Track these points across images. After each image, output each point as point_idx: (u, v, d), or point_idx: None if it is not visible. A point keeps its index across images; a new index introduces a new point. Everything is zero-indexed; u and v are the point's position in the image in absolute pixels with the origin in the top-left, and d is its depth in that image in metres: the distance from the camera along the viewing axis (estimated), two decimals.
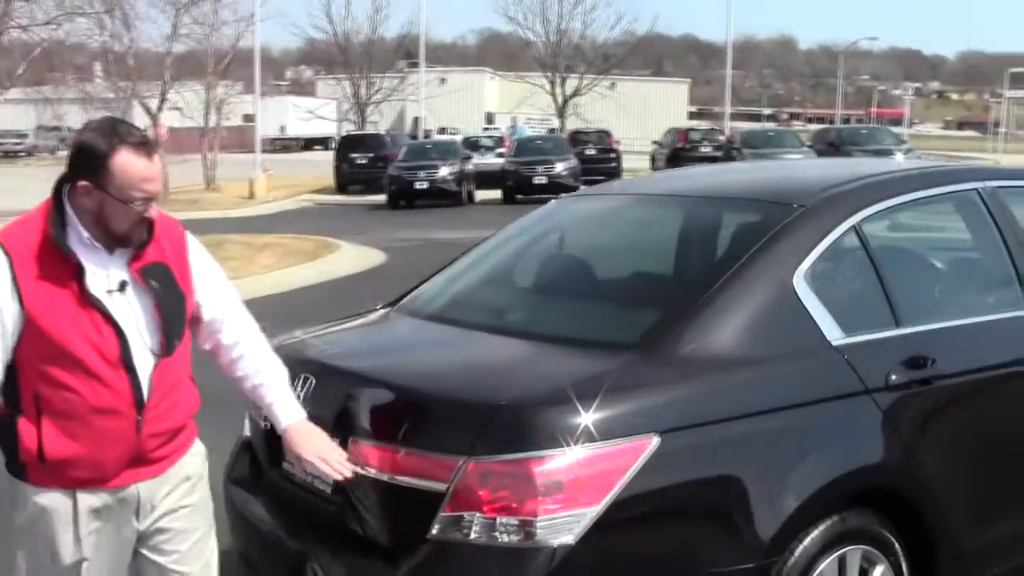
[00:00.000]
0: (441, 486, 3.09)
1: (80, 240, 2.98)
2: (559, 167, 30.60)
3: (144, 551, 3.22)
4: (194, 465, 3.30)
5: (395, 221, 25.42)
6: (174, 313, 3.11)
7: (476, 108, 66.85)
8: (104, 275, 3.00)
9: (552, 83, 48.23)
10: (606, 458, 3.04)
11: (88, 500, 3.05)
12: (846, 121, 75.29)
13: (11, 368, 2.97)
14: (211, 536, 3.37)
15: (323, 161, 44.64)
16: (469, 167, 31.58)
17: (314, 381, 3.65)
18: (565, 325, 3.88)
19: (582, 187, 6.40)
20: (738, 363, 3.39)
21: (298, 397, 3.57)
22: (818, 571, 3.35)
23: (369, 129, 43.57)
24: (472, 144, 37.12)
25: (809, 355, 3.54)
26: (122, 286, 3.01)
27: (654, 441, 3.07)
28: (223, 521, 3.81)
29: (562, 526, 2.99)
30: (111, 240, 3.00)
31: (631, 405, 3.19)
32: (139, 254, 3.05)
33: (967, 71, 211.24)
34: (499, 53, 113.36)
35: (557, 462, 3.01)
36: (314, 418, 3.53)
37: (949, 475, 3.75)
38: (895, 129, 42.88)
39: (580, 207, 5.19)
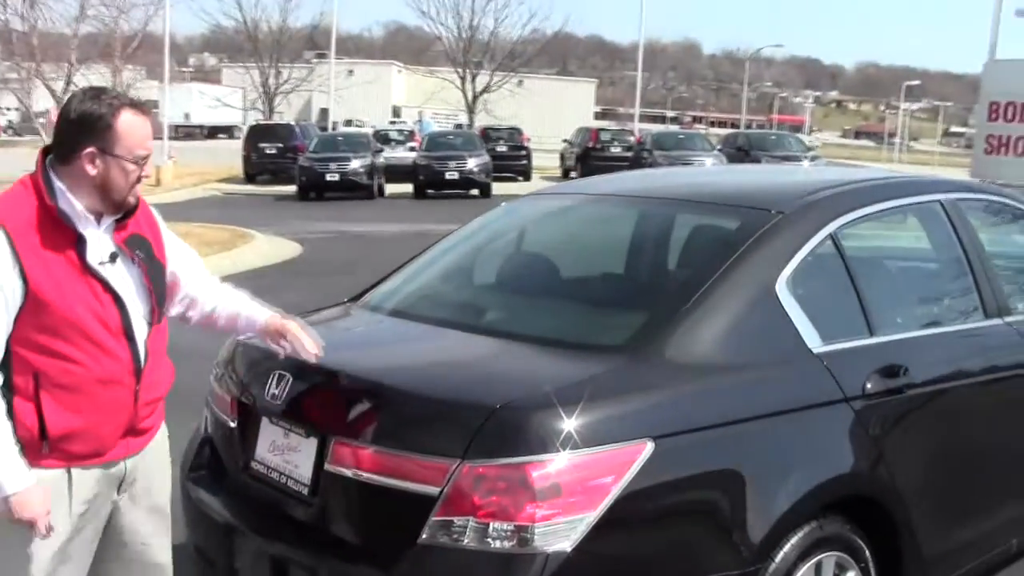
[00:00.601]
0: (433, 489, 3.00)
1: (73, 212, 3.01)
2: (471, 163, 30.54)
3: (113, 526, 3.27)
4: (163, 440, 3.40)
5: (307, 213, 25.08)
6: (159, 283, 3.19)
7: (383, 101, 66.43)
8: (96, 246, 3.04)
9: (463, 79, 48.15)
10: (601, 463, 2.99)
11: (82, 476, 3.09)
12: (748, 126, 76.46)
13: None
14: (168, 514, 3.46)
15: (228, 150, 43.90)
16: (380, 160, 31.30)
17: (290, 378, 3.52)
18: (548, 326, 3.82)
19: (556, 184, 5.99)
20: (724, 369, 3.38)
21: (272, 396, 3.50)
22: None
23: (276, 119, 43.00)
24: (382, 137, 36.81)
25: (791, 362, 3.54)
26: (112, 257, 3.07)
27: (648, 446, 3.03)
28: (178, 516, 3.72)
29: (558, 532, 2.93)
30: (106, 208, 3.05)
31: (625, 410, 3.16)
32: (122, 225, 3.11)
33: (864, 81, 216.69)
34: (405, 47, 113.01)
35: (553, 467, 2.94)
36: (291, 417, 3.46)
37: (916, 482, 3.80)
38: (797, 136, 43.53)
39: (549, 205, 5.11)
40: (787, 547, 3.30)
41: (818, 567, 3.44)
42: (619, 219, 4.68)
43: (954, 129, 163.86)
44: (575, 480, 2.95)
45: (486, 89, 47.55)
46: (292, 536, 3.40)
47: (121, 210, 3.08)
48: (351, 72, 53.56)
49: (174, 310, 3.41)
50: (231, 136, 62.83)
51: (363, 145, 30.61)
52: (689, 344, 3.37)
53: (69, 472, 3.07)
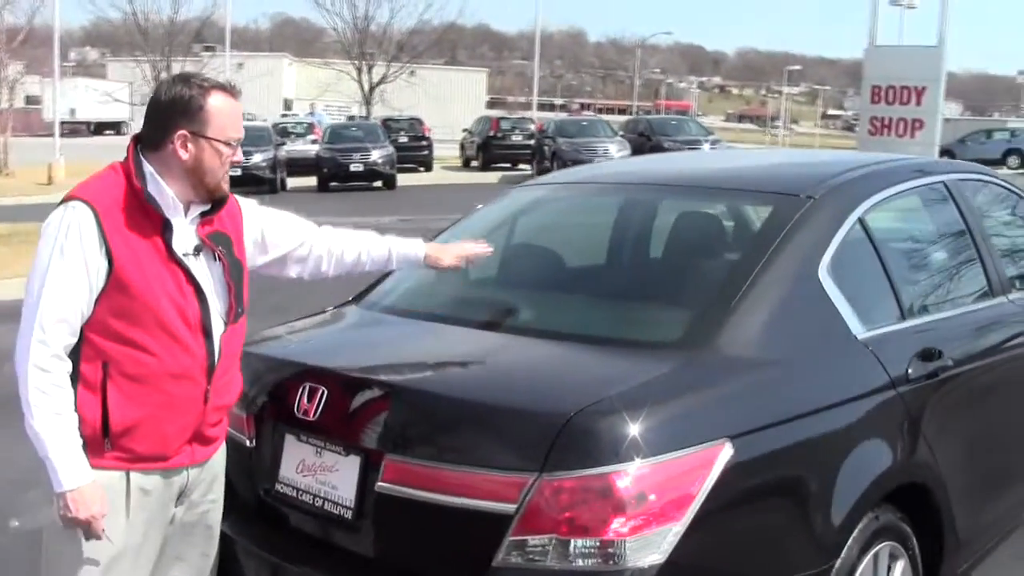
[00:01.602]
0: (508, 507, 2.78)
1: (162, 197, 2.94)
2: (375, 155, 30.22)
3: (167, 539, 3.11)
4: (222, 456, 3.27)
5: None
6: (238, 281, 3.10)
7: (274, 94, 65.27)
8: (182, 237, 2.97)
9: (359, 70, 47.58)
10: (685, 467, 2.82)
11: (141, 482, 2.95)
12: (636, 112, 77.15)
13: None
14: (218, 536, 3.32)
15: (117, 146, 42.32)
16: (282, 154, 30.77)
17: (325, 391, 3.25)
18: (594, 323, 3.64)
19: (552, 174, 5.54)
20: (780, 361, 3.26)
21: (304, 411, 3.26)
22: (860, 571, 3.27)
23: None
24: (282, 131, 36.15)
25: (842, 350, 3.45)
26: (196, 250, 2.99)
27: (727, 446, 2.88)
28: None
29: (648, 545, 2.74)
30: (199, 194, 2.99)
31: (700, 409, 3.02)
32: (208, 220, 3.04)
33: (745, 67, 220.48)
34: (293, 38, 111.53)
35: (638, 475, 2.75)
36: (326, 433, 3.25)
37: (955, 464, 3.77)
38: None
39: (558, 195, 4.89)
40: (852, 541, 3.22)
41: (875, 559, 3.37)
42: (642, 207, 4.52)
43: (831, 112, 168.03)
44: (660, 487, 2.77)
45: (383, 80, 47.08)
46: (337, 563, 3.18)
47: (214, 196, 3.02)
48: (241, 65, 52.50)
49: (297, 270, 3.43)
50: (119, 132, 61.09)
51: (264, 139, 29.90)
52: (743, 337, 3.25)
53: (128, 476, 2.92)
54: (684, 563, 2.77)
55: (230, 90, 3.02)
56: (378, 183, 30.59)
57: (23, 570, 2.93)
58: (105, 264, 2.81)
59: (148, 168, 2.93)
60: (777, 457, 3.08)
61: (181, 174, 2.94)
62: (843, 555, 3.18)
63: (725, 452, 2.87)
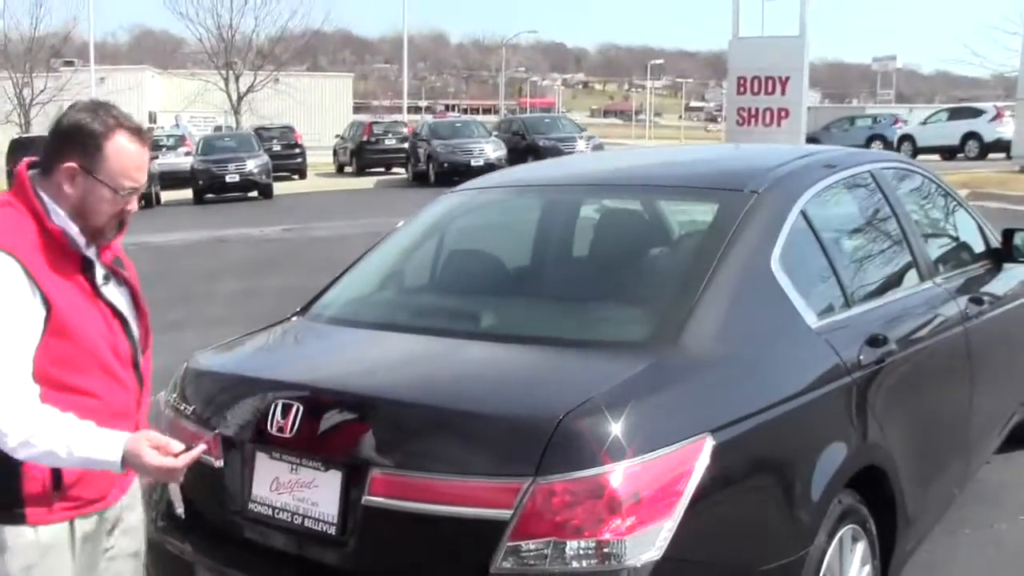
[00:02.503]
0: (504, 513, 2.77)
1: (74, 232, 2.75)
2: (250, 164, 29.76)
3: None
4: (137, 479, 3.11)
5: None
6: (142, 304, 2.97)
7: (138, 107, 63.71)
8: (95, 269, 2.82)
9: (226, 80, 46.83)
10: (672, 464, 2.85)
11: (83, 527, 2.83)
12: (503, 111, 77.48)
13: None
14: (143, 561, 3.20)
15: None
16: (154, 167, 30.02)
17: (300, 407, 3.18)
18: (555, 326, 3.64)
19: (493, 173, 5.33)
20: (744, 355, 3.33)
21: (278, 428, 3.18)
22: (827, 558, 3.34)
23: (36, 131, 40.65)
24: (153, 144, 35.15)
25: (800, 342, 3.53)
26: (106, 279, 2.84)
27: (708, 441, 2.92)
28: None
29: (643, 542, 2.76)
30: (84, 233, 2.77)
31: (679, 406, 3.06)
32: (107, 245, 2.86)
33: (607, 63, 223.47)
34: (153, 50, 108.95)
35: (630, 474, 2.78)
36: (301, 449, 3.18)
37: (903, 446, 3.89)
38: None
39: (495, 199, 4.85)
40: (822, 525, 3.30)
41: (840, 542, 3.45)
42: (585, 208, 4.54)
43: (694, 104, 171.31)
44: (650, 485, 2.80)
45: (251, 89, 46.42)
46: None
47: (97, 240, 2.80)
48: (103, 79, 51.08)
49: None
50: None
51: None
52: (707, 332, 3.30)
53: (72, 524, 2.79)
54: (678, 557, 2.81)
55: (139, 134, 2.76)
56: (254, 193, 30.16)
57: None
58: (43, 312, 2.62)
59: (50, 204, 2.72)
60: (753, 448, 3.15)
61: (67, 208, 2.73)
62: (816, 540, 3.26)
63: (708, 446, 2.92)
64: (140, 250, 18.24)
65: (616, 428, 2.81)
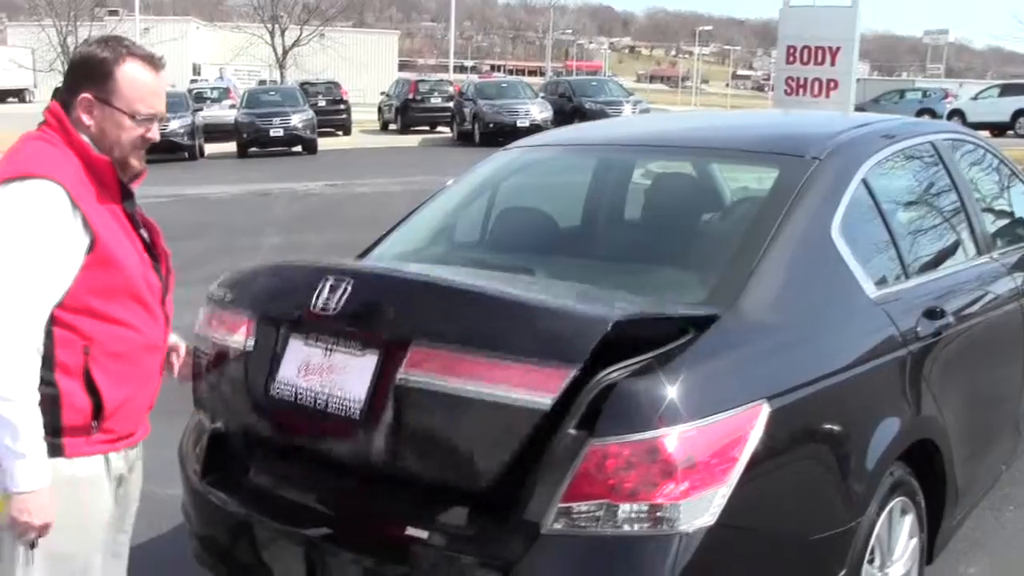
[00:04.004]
0: (545, 399, 2.70)
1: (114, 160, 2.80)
2: (295, 119, 29.77)
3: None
4: None
5: None
6: (162, 245, 3.00)
7: (181, 59, 63.90)
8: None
9: (271, 33, 46.83)
10: (728, 429, 2.81)
11: (116, 464, 2.88)
12: (550, 73, 77.07)
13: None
14: None
15: (20, 114, 41.47)
16: (199, 119, 30.18)
17: (351, 285, 3.11)
18: (610, 287, 3.56)
19: (546, 132, 5.47)
20: (803, 322, 3.29)
21: (322, 308, 3.11)
22: (877, 529, 3.33)
23: None
24: (197, 96, 35.36)
25: (858, 311, 3.48)
26: (134, 216, 2.87)
27: (764, 408, 2.88)
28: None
29: (698, 508, 2.73)
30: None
31: (736, 371, 3.01)
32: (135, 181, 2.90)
33: (654, 27, 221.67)
34: (198, 2, 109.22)
35: (685, 438, 2.73)
36: (346, 332, 3.13)
37: (956, 420, 3.85)
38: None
39: (556, 158, 4.75)
40: (874, 497, 3.28)
41: (890, 514, 3.43)
42: (640, 169, 4.49)
43: (741, 72, 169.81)
44: (705, 450, 2.76)
45: (296, 43, 46.41)
46: (336, 458, 3.17)
47: (124, 172, 2.82)
48: (147, 30, 51.28)
49: None
50: (22, 100, 59.27)
51: (181, 104, 29.13)
52: (765, 298, 3.24)
53: (107, 459, 2.82)
54: (731, 524, 2.77)
55: (151, 61, 2.80)
56: (298, 148, 30.21)
57: None
58: (86, 240, 2.64)
59: (84, 136, 2.75)
60: (808, 416, 3.11)
61: (89, 140, 2.75)
62: (867, 511, 3.24)
63: (763, 412, 2.88)
64: (182, 202, 18.42)
65: (672, 391, 2.77)
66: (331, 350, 3.17)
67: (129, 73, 2.74)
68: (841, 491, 3.18)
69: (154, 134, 2.82)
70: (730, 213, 4.03)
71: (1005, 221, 5.10)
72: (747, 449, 2.83)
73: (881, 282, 3.68)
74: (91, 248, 2.66)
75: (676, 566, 2.69)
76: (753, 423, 2.86)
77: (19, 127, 2.83)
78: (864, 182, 3.81)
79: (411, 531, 2.96)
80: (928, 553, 3.82)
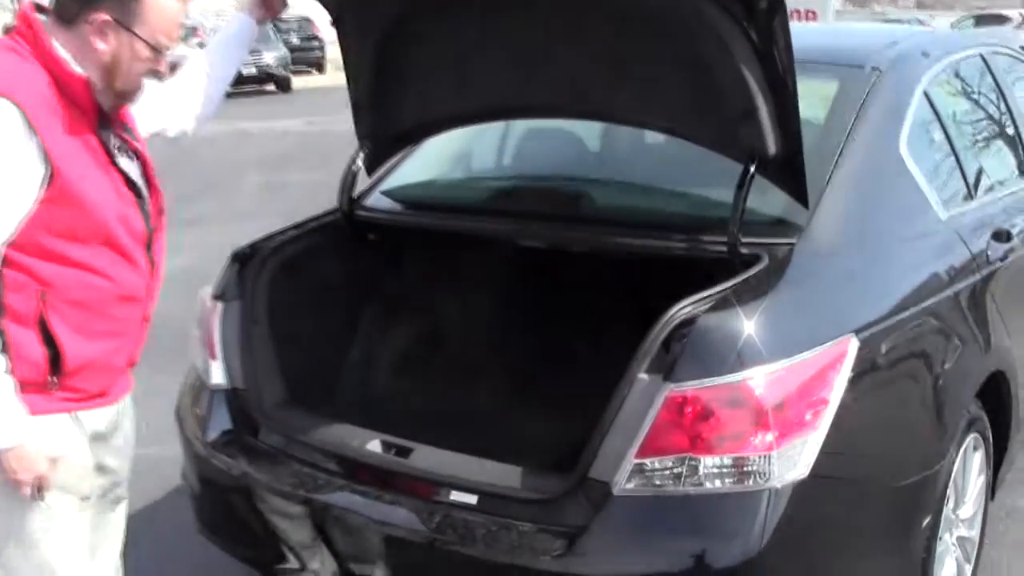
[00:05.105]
0: None
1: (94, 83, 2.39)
2: (268, 57, 28.83)
3: None
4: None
5: None
6: (155, 181, 2.62)
7: None
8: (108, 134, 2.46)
9: None
10: (816, 368, 2.50)
11: (91, 423, 2.52)
12: None
13: None
14: None
15: None
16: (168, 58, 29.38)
17: None
18: (667, 210, 3.25)
19: None
20: (879, 246, 2.99)
21: None
22: (955, 468, 3.08)
23: None
24: None
25: (933, 233, 3.20)
26: (119, 148, 2.49)
27: (852, 342, 2.57)
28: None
29: (789, 458, 2.41)
30: (105, 96, 2.43)
31: (818, 302, 2.72)
32: (116, 112, 2.51)
33: None
34: None
35: (773, 379, 2.41)
36: None
37: (1021, 349, 3.61)
38: None
39: None
40: (956, 437, 3.02)
41: (964, 452, 3.17)
42: None
43: None
44: (794, 394, 2.44)
45: None
46: None
47: (119, 103, 2.49)
48: None
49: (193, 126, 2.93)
50: None
51: None
52: (837, 221, 2.93)
53: (76, 417, 2.47)
54: (823, 475, 2.46)
55: None
56: (271, 87, 29.56)
57: None
58: (41, 170, 2.26)
59: (61, 51, 2.35)
60: (894, 351, 2.81)
61: (92, 67, 2.38)
62: (948, 453, 2.98)
63: (852, 348, 2.58)
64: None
65: (756, 327, 2.46)
66: None
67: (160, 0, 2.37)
68: (926, 432, 2.91)
69: (165, 68, 2.50)
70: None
71: None
72: (837, 390, 2.52)
73: (949, 202, 3.40)
74: (49, 181, 2.28)
75: (767, 527, 2.38)
76: (842, 360, 2.55)
77: None
78: (926, 95, 3.50)
79: (456, 496, 2.67)
80: (991, 489, 3.58)
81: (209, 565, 3.56)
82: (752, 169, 2.80)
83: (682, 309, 2.51)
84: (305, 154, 16.22)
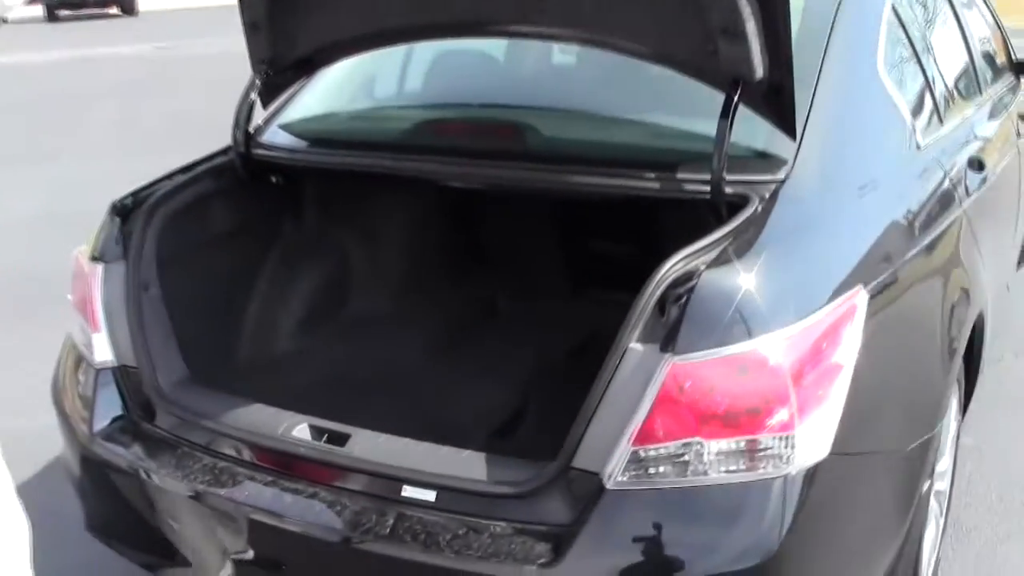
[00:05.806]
0: None
1: None
2: None
3: None
4: None
5: None
6: None
7: None
8: None
9: None
10: (829, 327, 2.13)
11: None
12: None
13: None
14: None
15: None
16: None
17: None
18: (628, 143, 2.84)
19: None
20: (871, 182, 2.61)
21: None
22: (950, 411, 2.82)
23: None
24: None
25: (918, 164, 2.87)
26: None
27: (862, 295, 2.22)
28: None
29: (808, 437, 2.04)
30: None
31: (820, 251, 2.34)
32: None
33: None
34: None
35: (784, 347, 2.03)
36: None
37: (993, 278, 3.36)
38: None
39: None
40: (953, 388, 2.77)
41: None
42: None
43: None
44: (812, 359, 2.08)
45: None
46: None
47: None
48: None
49: None
50: None
51: None
52: (825, 156, 2.53)
53: None
54: (842, 452, 2.11)
55: None
56: (115, 9, 28.04)
57: None
58: None
59: None
60: (899, 302, 2.47)
61: None
62: (949, 407, 2.74)
63: (862, 302, 2.22)
64: None
65: (760, 285, 2.07)
66: None
67: None
68: (932, 388, 2.61)
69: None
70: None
71: (988, 57, 4.54)
72: (851, 352, 2.16)
73: (927, 130, 3.07)
74: None
75: (784, 520, 2.02)
76: (853, 316, 2.19)
77: None
78: (893, 8, 3.14)
79: (409, 492, 2.24)
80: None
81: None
82: (736, 97, 2.39)
83: (675, 265, 2.10)
84: (157, 82, 15.31)
